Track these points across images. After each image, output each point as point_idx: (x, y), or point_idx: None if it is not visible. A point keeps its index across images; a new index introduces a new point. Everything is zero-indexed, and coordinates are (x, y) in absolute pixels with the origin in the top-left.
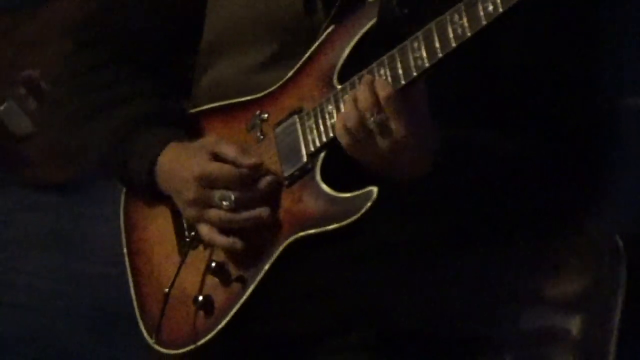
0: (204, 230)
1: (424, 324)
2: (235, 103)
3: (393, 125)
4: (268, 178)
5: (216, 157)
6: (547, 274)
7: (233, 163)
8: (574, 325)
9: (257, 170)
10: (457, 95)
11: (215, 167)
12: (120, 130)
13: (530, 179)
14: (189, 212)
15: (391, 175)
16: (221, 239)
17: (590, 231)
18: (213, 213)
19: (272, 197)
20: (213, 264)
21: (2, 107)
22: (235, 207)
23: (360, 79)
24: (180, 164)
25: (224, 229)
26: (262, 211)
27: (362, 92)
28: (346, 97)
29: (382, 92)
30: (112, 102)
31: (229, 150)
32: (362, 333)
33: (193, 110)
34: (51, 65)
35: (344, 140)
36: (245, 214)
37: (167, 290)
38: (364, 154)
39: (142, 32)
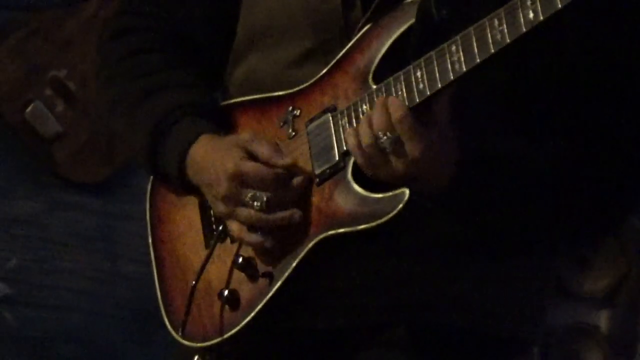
0: (234, 227)
1: (452, 320)
2: (267, 97)
3: (407, 146)
4: (300, 177)
5: (250, 155)
6: (576, 270)
7: (266, 162)
8: (603, 321)
9: (290, 170)
10: (483, 102)
11: (249, 167)
12: (155, 118)
13: (557, 182)
14: (218, 207)
15: (411, 187)
16: (251, 237)
17: (618, 228)
18: (244, 212)
19: (302, 195)
20: (240, 259)
21: (29, 109)
22: (266, 208)
23: (395, 80)
24: (213, 157)
25: (254, 227)
26: (293, 213)
27: (376, 112)
28: (362, 117)
29: (396, 113)
30: (148, 91)
31: (263, 149)
32: (391, 329)
33: (225, 102)
34: (80, 66)
35: (358, 158)
36: (276, 215)
37: (193, 283)
38: (378, 173)
39: (178, 20)
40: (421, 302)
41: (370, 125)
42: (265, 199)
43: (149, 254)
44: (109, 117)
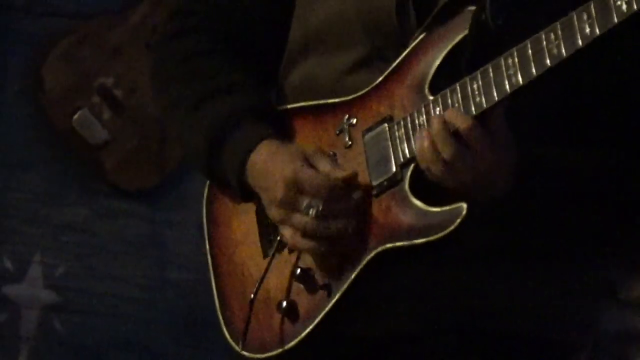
0: (287, 232)
1: (502, 326)
2: (324, 104)
3: (475, 155)
4: (357, 189)
5: (310, 165)
6: (625, 275)
7: (326, 175)
8: None
9: (348, 181)
10: (538, 112)
11: (307, 174)
12: (216, 122)
13: (605, 189)
14: (273, 212)
15: (472, 195)
16: (304, 242)
17: None
18: (298, 218)
19: (358, 207)
20: (298, 270)
21: (76, 116)
22: (321, 217)
23: (452, 92)
24: (273, 163)
25: (307, 234)
26: (347, 223)
27: (437, 128)
28: (424, 132)
29: (463, 125)
30: (207, 94)
31: (323, 164)
32: (443, 336)
33: (282, 107)
34: (127, 74)
35: (427, 172)
36: (330, 225)
37: (252, 295)
38: (448, 184)
39: (233, 20)
40: (472, 308)
41: (432, 141)
42: (320, 207)
43: (199, 260)
44: (165, 119)
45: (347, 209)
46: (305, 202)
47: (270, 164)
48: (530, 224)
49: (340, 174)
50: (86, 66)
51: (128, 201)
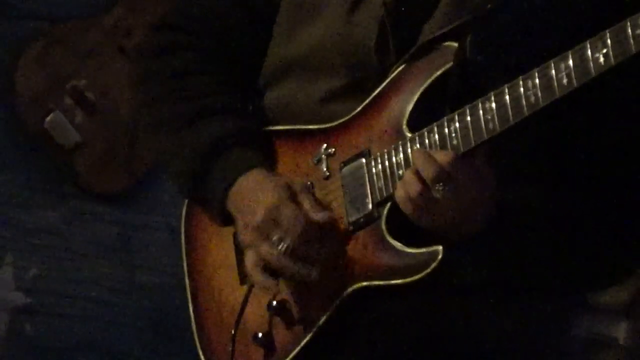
0: (250, 259)
1: (478, 356)
2: (303, 130)
3: (460, 191)
4: (332, 224)
5: (294, 201)
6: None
7: (305, 214)
8: (621, 333)
9: (325, 224)
10: (514, 151)
11: (290, 208)
12: (206, 143)
13: (580, 230)
14: (245, 235)
15: (451, 234)
16: (259, 276)
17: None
18: (265, 248)
19: (333, 243)
20: (274, 303)
21: (48, 118)
22: (289, 253)
23: (429, 132)
24: (261, 188)
25: (267, 268)
26: (312, 272)
27: (423, 163)
28: (406, 172)
29: (446, 160)
30: (197, 114)
31: (307, 202)
32: None
33: (264, 129)
34: (100, 76)
35: (408, 210)
36: (293, 266)
37: (233, 332)
38: (428, 221)
39: (224, 41)
40: (447, 340)
41: (419, 177)
42: (290, 245)
43: (168, 264)
44: (150, 135)
45: (318, 246)
46: (277, 234)
47: (257, 188)
48: (504, 257)
49: (319, 215)
50: (59, 69)
51: (99, 204)
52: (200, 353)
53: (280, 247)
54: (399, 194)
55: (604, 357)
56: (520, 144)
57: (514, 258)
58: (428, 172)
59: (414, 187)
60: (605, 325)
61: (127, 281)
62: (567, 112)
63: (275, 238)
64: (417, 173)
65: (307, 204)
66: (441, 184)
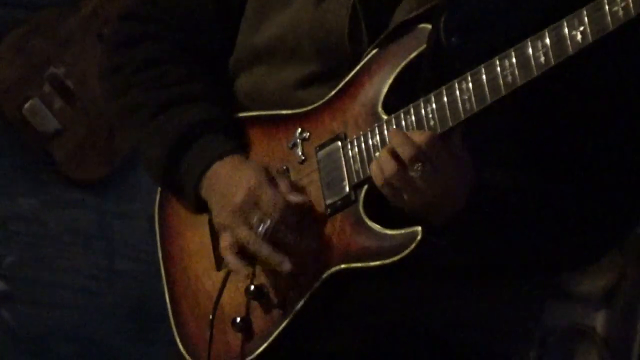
0: (226, 242)
1: (456, 338)
2: (276, 115)
3: (435, 171)
4: (309, 208)
5: (272, 184)
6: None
7: (283, 197)
8: (599, 322)
9: (302, 207)
10: (489, 133)
11: (270, 190)
12: (178, 131)
13: (557, 214)
14: (223, 217)
15: (429, 215)
16: (232, 258)
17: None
18: (244, 231)
19: (311, 226)
20: (252, 287)
21: (27, 106)
22: (268, 235)
23: (406, 113)
24: (239, 172)
25: (244, 251)
26: (284, 264)
27: (400, 143)
28: (382, 152)
29: (424, 140)
30: (169, 102)
31: (284, 185)
32: (404, 349)
33: (236, 116)
34: (78, 64)
35: (385, 191)
36: (269, 251)
37: (211, 317)
38: (405, 202)
39: (187, 28)
40: (425, 322)
41: (395, 157)
42: (270, 226)
43: (147, 252)
44: (121, 124)
45: (296, 228)
46: (257, 215)
47: (235, 172)
48: (481, 240)
49: (297, 198)
50: (37, 56)
51: (77, 192)
52: (178, 341)
53: (260, 228)
54: (376, 174)
55: (582, 346)
56: (496, 125)
57: (490, 241)
58: (405, 153)
59: (390, 167)
60: (583, 314)
61: (106, 269)
62: (542, 92)
63: (255, 220)
64: (394, 153)
65: (284, 187)
66: (419, 164)
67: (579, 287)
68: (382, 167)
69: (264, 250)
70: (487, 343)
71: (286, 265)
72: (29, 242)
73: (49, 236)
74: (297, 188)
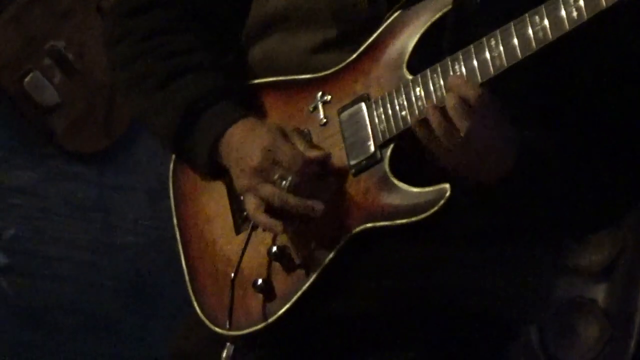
0: (251, 202)
1: (469, 304)
2: (294, 80)
3: (482, 125)
4: (333, 169)
5: (287, 141)
6: (573, 244)
7: (302, 153)
8: (600, 294)
9: (324, 162)
10: (532, 97)
11: (286, 146)
12: (188, 99)
13: (582, 174)
14: (243, 181)
15: (473, 176)
16: (263, 217)
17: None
18: (268, 188)
19: (335, 186)
20: (274, 249)
21: (27, 79)
22: (292, 190)
23: (432, 72)
24: (252, 134)
25: (271, 207)
26: (315, 205)
27: (448, 98)
28: (428, 104)
29: (472, 92)
30: (178, 71)
31: (300, 141)
32: (422, 314)
33: (250, 82)
34: (78, 37)
35: (429, 144)
36: (298, 201)
37: (233, 275)
38: (447, 156)
39: (203, 1)
40: (441, 288)
41: (441, 109)
42: (293, 180)
43: (146, 225)
44: (127, 94)
45: (320, 188)
46: (279, 172)
47: (249, 134)
48: (510, 208)
49: (315, 152)
50: (37, 29)
51: (77, 164)
52: (195, 304)
53: (283, 183)
54: (420, 131)
55: (583, 318)
56: (525, 85)
57: (511, 205)
58: (452, 108)
59: (438, 124)
60: (584, 287)
61: (106, 242)
62: (569, 52)
63: (276, 177)
64: (438, 106)
65: (300, 145)
66: (465, 117)
67: (580, 260)
68: (428, 122)
69: (292, 200)
70: (496, 311)
71: (318, 207)
72: (28, 215)
73: (48, 209)
74: (319, 149)
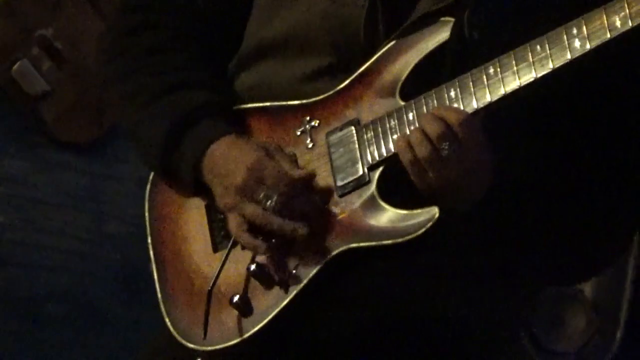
0: (235, 222)
1: (454, 327)
2: (283, 106)
3: (464, 152)
4: (318, 190)
5: (272, 159)
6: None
7: (286, 172)
8: (587, 285)
9: (309, 181)
10: (511, 125)
11: (271, 165)
12: (175, 115)
13: (568, 204)
14: (227, 199)
15: (451, 198)
16: (246, 236)
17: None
18: (251, 208)
19: (320, 207)
20: (253, 266)
21: (16, 67)
22: (277, 210)
23: (427, 97)
24: (237, 150)
25: (254, 226)
26: (300, 227)
27: (430, 121)
28: (412, 129)
29: (458, 117)
30: (168, 88)
31: (285, 160)
32: (403, 337)
33: (238, 107)
34: (68, 26)
35: (411, 169)
36: (281, 222)
37: (209, 288)
38: (429, 182)
39: (196, 20)
40: (421, 318)
41: (425, 135)
42: (277, 199)
43: (136, 214)
44: (118, 110)
45: (305, 209)
46: (263, 191)
47: (232, 151)
48: (493, 233)
49: (301, 172)
50: (26, 18)
51: (67, 154)
52: (169, 323)
53: (268, 203)
54: (403, 151)
55: (570, 309)
56: (514, 116)
57: (501, 231)
58: (435, 130)
59: (419, 145)
60: None
61: (96, 231)
62: (561, 83)
63: (261, 196)
64: (424, 131)
65: (285, 164)
66: (446, 143)
67: None
68: (411, 144)
69: (275, 221)
70: (478, 338)
71: (301, 230)
72: (18, 204)
73: (38, 198)
74: (304, 169)
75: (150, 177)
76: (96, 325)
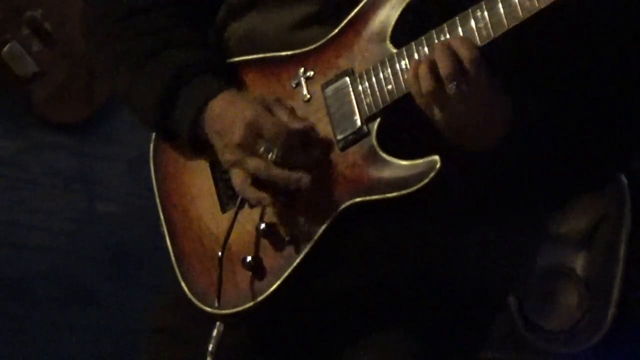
0: (238, 177)
1: (454, 278)
2: (275, 57)
3: (473, 92)
4: (319, 142)
5: (270, 112)
6: (556, 211)
7: (286, 124)
8: (579, 263)
9: (309, 134)
10: (523, 65)
11: (269, 118)
12: (169, 74)
13: (564, 141)
14: (228, 156)
15: (463, 142)
16: (251, 191)
17: (595, 170)
18: (253, 161)
19: (322, 159)
20: (263, 225)
21: (5, 49)
22: (278, 162)
23: (418, 44)
24: (234, 106)
25: (257, 181)
26: (302, 176)
27: (441, 57)
28: (421, 65)
29: (468, 53)
30: (158, 48)
31: (283, 112)
32: (411, 287)
33: (230, 60)
34: (57, 6)
35: (421, 102)
36: (284, 173)
37: (220, 254)
38: (440, 119)
39: None
40: (425, 264)
41: (433, 69)
42: (279, 152)
43: (127, 194)
44: (109, 74)
45: (306, 160)
46: (264, 145)
47: (230, 107)
48: (484, 177)
49: (300, 123)
50: (16, 0)
51: (57, 134)
52: (183, 284)
53: (270, 156)
54: (412, 86)
55: (562, 287)
56: (507, 55)
57: (497, 173)
58: (445, 66)
59: (427, 82)
60: (563, 256)
61: (86, 211)
62: (557, 20)
63: (262, 150)
64: (433, 67)
65: (284, 116)
66: (454, 82)
67: (559, 229)
68: (419, 81)
69: (279, 173)
70: (482, 284)
71: (305, 179)
72: (9, 185)
73: (28, 179)
74: (303, 120)
75: (152, 136)
76: (87, 305)
